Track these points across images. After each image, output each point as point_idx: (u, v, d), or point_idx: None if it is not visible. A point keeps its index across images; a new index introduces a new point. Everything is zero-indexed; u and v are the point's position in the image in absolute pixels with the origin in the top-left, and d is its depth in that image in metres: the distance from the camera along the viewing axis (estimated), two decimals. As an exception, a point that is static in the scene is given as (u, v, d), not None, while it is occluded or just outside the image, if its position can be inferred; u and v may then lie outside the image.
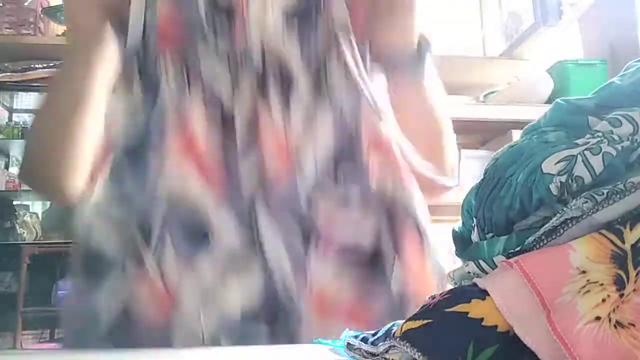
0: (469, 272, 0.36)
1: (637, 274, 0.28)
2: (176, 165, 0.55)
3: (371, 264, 0.60)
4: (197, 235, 0.57)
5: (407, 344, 0.29)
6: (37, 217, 2.95)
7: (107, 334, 0.57)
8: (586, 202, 0.31)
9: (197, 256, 0.56)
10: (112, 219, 0.58)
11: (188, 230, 0.57)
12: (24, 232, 2.76)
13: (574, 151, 0.33)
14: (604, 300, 0.28)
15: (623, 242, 0.29)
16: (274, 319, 0.57)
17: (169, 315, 0.56)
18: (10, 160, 3.03)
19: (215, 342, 0.55)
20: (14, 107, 3.02)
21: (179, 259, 0.56)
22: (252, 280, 0.57)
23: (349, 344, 0.38)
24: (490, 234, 0.37)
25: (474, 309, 0.29)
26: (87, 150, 0.59)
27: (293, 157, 0.57)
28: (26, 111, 3.05)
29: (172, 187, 0.56)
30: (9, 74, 2.48)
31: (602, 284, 0.28)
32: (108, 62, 0.56)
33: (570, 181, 0.32)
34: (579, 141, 0.34)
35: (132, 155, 0.57)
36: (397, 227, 0.63)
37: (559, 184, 0.32)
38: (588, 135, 0.35)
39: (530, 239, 0.32)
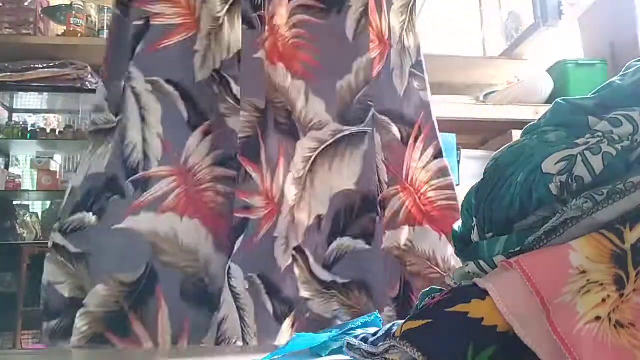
0: (469, 272, 0.36)
1: (637, 274, 0.28)
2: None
3: None
4: None
5: (407, 343, 0.29)
6: (37, 217, 2.94)
7: None
8: (586, 202, 0.31)
9: None
10: None
11: None
12: (24, 232, 2.75)
13: (574, 151, 0.33)
14: (604, 300, 0.28)
15: (623, 242, 0.29)
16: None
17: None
18: (10, 160, 3.03)
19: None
20: (14, 107, 3.02)
21: None
22: None
23: (349, 344, 0.38)
24: (490, 234, 0.37)
25: (474, 309, 0.29)
26: None
27: None
28: (26, 111, 3.05)
29: None
30: (9, 74, 2.47)
31: (602, 284, 0.28)
32: None
33: (570, 181, 0.32)
34: (579, 141, 0.34)
35: None
36: None
37: (559, 183, 0.32)
38: (588, 135, 0.35)
39: (530, 239, 0.32)
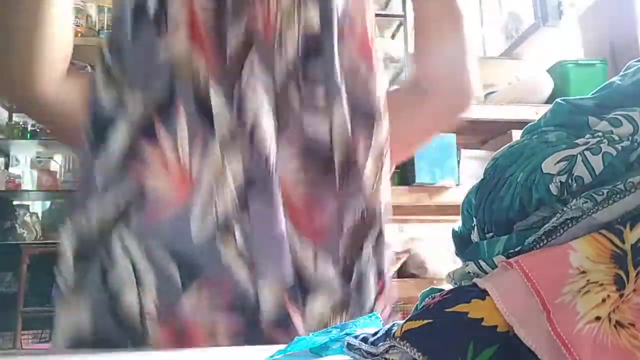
0: (469, 272, 0.36)
1: (637, 274, 0.28)
2: (176, 37, 0.61)
3: (328, 163, 0.64)
4: (203, 111, 0.62)
5: (407, 344, 0.29)
6: (37, 217, 2.95)
7: (122, 214, 0.61)
8: (586, 202, 0.31)
9: (206, 134, 0.62)
10: (121, 94, 0.62)
11: (194, 106, 0.62)
12: (24, 232, 2.76)
13: (574, 151, 0.33)
14: (604, 300, 0.28)
15: (623, 242, 0.29)
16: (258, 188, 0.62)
17: (185, 190, 0.61)
18: (10, 160, 3.03)
19: (226, 220, 0.61)
20: (14, 107, 3.03)
21: (190, 134, 0.61)
22: (242, 155, 0.62)
23: (349, 344, 0.38)
24: (490, 234, 0.37)
25: (474, 309, 0.29)
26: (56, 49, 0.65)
27: (276, 31, 0.63)
28: (26, 111, 3.05)
29: (173, 59, 0.61)
30: (9, 74, 2.48)
31: (602, 284, 0.28)
32: None
33: (570, 181, 0.32)
34: (579, 141, 0.34)
35: (133, 30, 0.62)
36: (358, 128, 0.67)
37: (559, 183, 0.32)
38: (588, 135, 0.35)
39: (530, 239, 0.32)
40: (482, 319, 0.29)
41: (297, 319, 0.61)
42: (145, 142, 0.61)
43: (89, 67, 2.44)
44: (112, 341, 0.60)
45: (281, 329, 0.60)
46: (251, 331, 0.60)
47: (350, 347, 0.38)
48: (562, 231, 0.31)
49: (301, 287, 0.62)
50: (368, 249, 0.65)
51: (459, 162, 1.83)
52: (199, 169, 0.61)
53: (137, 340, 0.59)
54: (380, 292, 0.67)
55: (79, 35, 2.43)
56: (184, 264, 0.61)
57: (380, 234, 0.67)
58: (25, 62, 0.64)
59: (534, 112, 1.85)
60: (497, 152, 0.39)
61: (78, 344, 0.60)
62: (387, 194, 0.68)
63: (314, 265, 0.62)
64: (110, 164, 0.62)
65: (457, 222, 0.42)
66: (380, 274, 0.67)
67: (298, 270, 0.62)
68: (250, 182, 0.62)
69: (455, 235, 0.42)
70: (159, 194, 0.61)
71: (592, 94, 0.38)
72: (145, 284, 0.60)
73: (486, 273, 0.34)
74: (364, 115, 0.67)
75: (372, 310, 0.64)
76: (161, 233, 0.61)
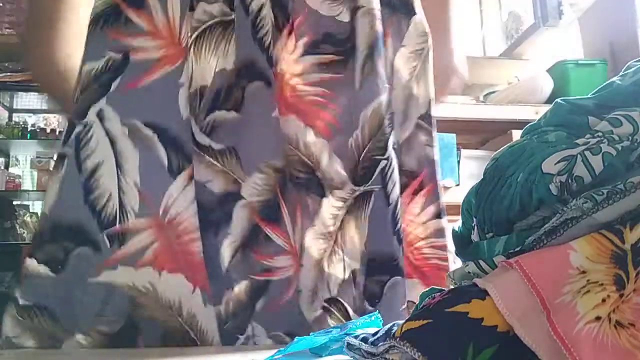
0: (469, 272, 0.36)
1: (637, 274, 0.28)
2: None
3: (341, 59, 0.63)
4: None
5: (407, 344, 0.29)
6: (37, 217, 2.94)
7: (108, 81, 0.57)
8: (586, 202, 0.31)
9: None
10: None
11: None
12: (24, 232, 2.76)
13: (574, 151, 0.33)
14: (604, 301, 0.28)
15: (623, 242, 0.29)
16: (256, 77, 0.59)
17: (176, 56, 0.58)
18: (10, 160, 3.03)
19: (202, 92, 0.58)
20: (14, 107, 3.03)
21: (182, 3, 0.59)
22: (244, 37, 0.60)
23: (349, 344, 0.38)
24: (490, 234, 0.37)
25: (474, 309, 0.29)
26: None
27: None
28: (26, 111, 3.06)
29: None
30: (9, 74, 2.48)
31: (602, 284, 0.28)
32: None
33: (570, 181, 0.32)
34: (579, 141, 0.34)
35: None
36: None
37: (559, 183, 0.32)
38: (588, 135, 0.35)
39: (530, 239, 0.32)
40: (482, 319, 0.29)
41: (290, 212, 0.57)
42: (130, 3, 0.58)
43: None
44: (80, 233, 0.55)
45: (270, 221, 0.56)
46: (228, 222, 0.56)
47: (350, 347, 0.38)
48: (562, 231, 0.31)
49: (312, 185, 0.59)
50: (394, 142, 0.62)
51: (459, 162, 1.83)
52: (186, 39, 0.58)
53: (110, 226, 0.55)
54: (420, 188, 0.65)
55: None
56: (172, 146, 0.56)
57: (427, 116, 0.66)
58: (50, 39, 0.66)
59: (534, 112, 1.85)
60: (497, 152, 0.39)
61: (41, 234, 0.55)
62: (430, 92, 0.67)
63: (328, 163, 0.59)
64: (90, 33, 0.58)
65: (457, 222, 0.42)
66: (425, 163, 0.65)
67: (307, 166, 0.59)
68: (248, 72, 0.59)
69: (455, 235, 0.42)
70: (143, 55, 0.57)
71: (592, 94, 0.38)
72: (126, 168, 0.55)
73: (486, 273, 0.34)
74: (397, 9, 0.66)
75: (395, 209, 0.60)
76: (145, 103, 0.56)
